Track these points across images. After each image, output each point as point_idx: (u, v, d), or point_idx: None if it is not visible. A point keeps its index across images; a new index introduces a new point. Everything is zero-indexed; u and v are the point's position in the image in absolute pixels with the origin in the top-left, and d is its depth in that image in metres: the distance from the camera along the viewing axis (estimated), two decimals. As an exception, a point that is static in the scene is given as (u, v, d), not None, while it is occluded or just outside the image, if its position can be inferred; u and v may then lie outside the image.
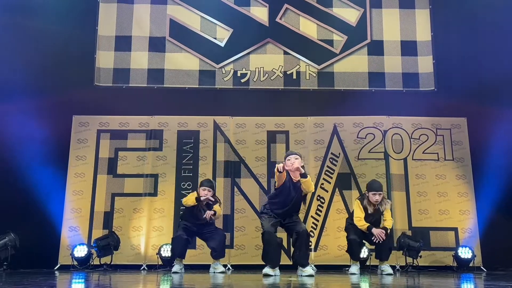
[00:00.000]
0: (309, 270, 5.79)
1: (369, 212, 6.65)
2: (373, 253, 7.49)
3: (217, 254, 6.80)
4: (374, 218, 6.69)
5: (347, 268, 6.88)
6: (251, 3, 8.76)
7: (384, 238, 6.53)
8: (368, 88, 8.51)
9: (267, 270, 5.70)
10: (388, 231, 6.65)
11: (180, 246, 6.69)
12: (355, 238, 6.61)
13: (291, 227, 6.02)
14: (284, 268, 6.26)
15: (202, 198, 6.71)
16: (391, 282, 4.91)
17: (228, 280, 5.13)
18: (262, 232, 5.88)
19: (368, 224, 6.58)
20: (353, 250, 6.66)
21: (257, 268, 6.28)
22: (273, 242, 5.86)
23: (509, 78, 8.01)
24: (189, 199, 6.80)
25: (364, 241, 6.83)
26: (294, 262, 6.02)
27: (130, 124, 8.30)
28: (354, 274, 6.43)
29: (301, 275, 5.71)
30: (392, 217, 6.91)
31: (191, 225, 6.79)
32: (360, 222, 6.61)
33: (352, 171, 8.12)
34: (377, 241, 6.58)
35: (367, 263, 7.39)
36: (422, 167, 8.16)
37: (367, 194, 6.72)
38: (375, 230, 6.53)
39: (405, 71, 8.57)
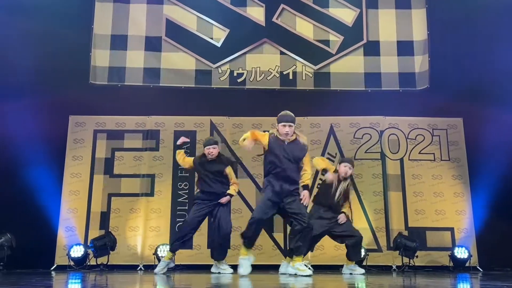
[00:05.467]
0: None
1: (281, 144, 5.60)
2: (369, 253, 7.53)
3: (218, 254, 6.55)
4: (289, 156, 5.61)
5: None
6: (248, 3, 8.76)
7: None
8: (364, 88, 8.52)
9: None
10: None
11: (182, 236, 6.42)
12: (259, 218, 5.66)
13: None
14: (273, 268, 6.27)
15: (178, 142, 6.69)
16: (388, 282, 4.92)
17: (225, 281, 5.12)
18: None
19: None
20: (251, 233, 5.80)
21: (255, 268, 6.25)
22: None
23: (505, 78, 8.03)
24: (178, 157, 6.74)
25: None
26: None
27: (126, 124, 8.29)
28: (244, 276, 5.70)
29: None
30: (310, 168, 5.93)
31: (205, 199, 6.44)
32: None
33: (348, 171, 8.12)
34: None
35: (364, 263, 7.42)
36: (419, 167, 8.19)
37: (277, 127, 5.70)
38: None
39: (402, 71, 8.58)
